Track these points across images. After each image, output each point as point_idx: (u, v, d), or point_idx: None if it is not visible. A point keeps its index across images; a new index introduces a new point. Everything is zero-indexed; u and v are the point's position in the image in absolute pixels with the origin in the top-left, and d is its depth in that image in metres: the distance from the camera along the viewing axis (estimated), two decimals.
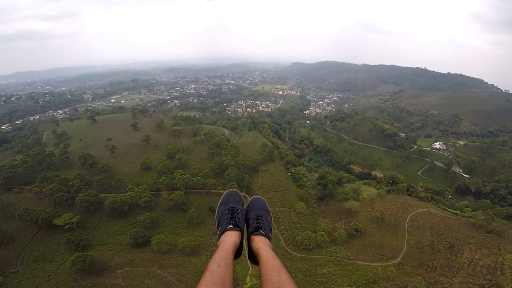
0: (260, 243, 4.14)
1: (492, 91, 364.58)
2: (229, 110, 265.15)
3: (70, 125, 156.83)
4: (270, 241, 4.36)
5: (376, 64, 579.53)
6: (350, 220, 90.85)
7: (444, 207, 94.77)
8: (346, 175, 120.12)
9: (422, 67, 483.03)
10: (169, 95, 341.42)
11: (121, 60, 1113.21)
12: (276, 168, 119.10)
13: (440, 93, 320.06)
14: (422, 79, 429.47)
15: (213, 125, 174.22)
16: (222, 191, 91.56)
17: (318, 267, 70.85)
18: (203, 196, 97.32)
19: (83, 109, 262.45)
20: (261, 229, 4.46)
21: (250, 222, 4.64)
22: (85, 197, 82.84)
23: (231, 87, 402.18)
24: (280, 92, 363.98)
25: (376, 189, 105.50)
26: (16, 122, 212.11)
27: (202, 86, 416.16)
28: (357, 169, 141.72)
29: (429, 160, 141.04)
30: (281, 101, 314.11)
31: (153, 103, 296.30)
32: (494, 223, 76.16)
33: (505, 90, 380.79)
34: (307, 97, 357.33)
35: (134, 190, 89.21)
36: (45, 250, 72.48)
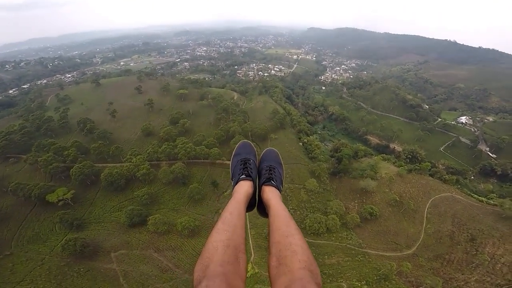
0: (271, 194, 4.04)
1: None
2: (240, 73, 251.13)
3: (74, 88, 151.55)
4: (280, 192, 4.25)
5: (400, 34, 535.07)
6: (364, 200, 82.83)
7: (469, 192, 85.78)
8: (363, 147, 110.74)
9: (451, 40, 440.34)
10: (179, 58, 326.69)
11: (133, 24, 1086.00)
12: (287, 137, 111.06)
13: (469, 66, 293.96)
14: (450, 52, 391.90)
15: (222, 88, 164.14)
16: (227, 162, 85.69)
17: (326, 256, 65.39)
18: (206, 167, 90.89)
19: (91, 72, 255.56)
20: (273, 180, 4.33)
21: (262, 173, 4.50)
22: (79, 169, 76.32)
23: (243, 50, 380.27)
24: (295, 57, 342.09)
25: (396, 166, 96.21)
26: (23, 86, 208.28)
27: (214, 49, 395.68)
28: (374, 140, 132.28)
29: (454, 135, 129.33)
30: (295, 66, 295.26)
31: (162, 65, 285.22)
32: None
33: None
34: (323, 63, 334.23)
35: (132, 161, 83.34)
36: (40, 229, 68.58)
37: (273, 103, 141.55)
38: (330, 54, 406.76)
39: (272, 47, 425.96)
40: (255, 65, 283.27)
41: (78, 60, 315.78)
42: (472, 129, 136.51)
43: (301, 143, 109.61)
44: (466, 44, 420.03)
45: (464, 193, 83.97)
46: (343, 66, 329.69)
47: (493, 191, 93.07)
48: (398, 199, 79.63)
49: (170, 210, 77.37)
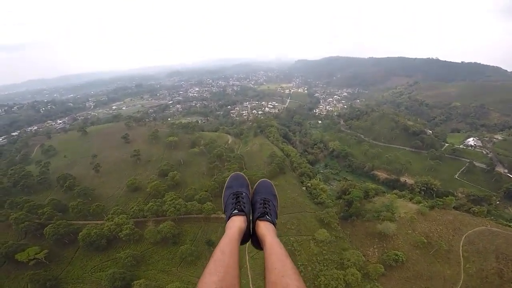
0: (265, 229, 4.02)
1: None
2: (233, 113, 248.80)
3: (61, 138, 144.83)
4: (275, 227, 4.24)
5: (384, 56, 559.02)
6: (385, 245, 73.95)
7: (506, 222, 76.46)
8: (373, 186, 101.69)
9: (434, 57, 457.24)
10: (171, 100, 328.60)
11: (129, 65, 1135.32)
12: (289, 182, 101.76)
13: (459, 83, 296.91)
14: (435, 70, 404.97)
15: (215, 131, 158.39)
16: (223, 216, 75.17)
17: None
18: (200, 224, 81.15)
19: (82, 117, 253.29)
20: (267, 215, 4.30)
21: (257, 207, 4.46)
22: (54, 229, 70.08)
23: (235, 88, 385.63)
24: (287, 91, 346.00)
25: (414, 203, 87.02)
26: (13, 134, 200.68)
27: (206, 88, 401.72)
28: (382, 175, 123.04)
29: (466, 160, 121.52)
30: (288, 100, 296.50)
31: (155, 108, 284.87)
32: None
33: None
34: (316, 95, 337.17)
35: (114, 221, 73.99)
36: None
37: (270, 144, 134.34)
38: (321, 85, 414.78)
39: (264, 83, 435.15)
40: (248, 103, 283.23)
41: (71, 104, 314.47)
42: (483, 151, 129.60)
43: (304, 188, 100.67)
44: (449, 60, 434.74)
45: (501, 224, 75.49)
46: (335, 96, 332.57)
47: None
48: (425, 240, 71.23)
49: (160, 271, 67.78)
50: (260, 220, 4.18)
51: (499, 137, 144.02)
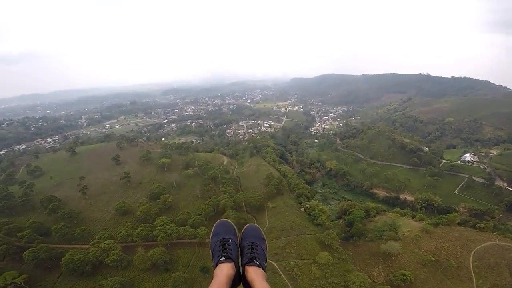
0: (255, 275, 4.01)
1: (504, 92, 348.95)
2: (229, 133, 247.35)
3: (49, 157, 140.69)
4: (265, 271, 4.22)
5: (376, 73, 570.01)
6: (390, 265, 72.10)
7: None
8: (373, 205, 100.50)
9: (425, 73, 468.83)
10: (166, 119, 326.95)
11: (124, 81, 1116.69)
12: (286, 204, 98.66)
13: (451, 98, 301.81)
14: (427, 85, 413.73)
15: (210, 152, 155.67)
16: None
17: None
18: (194, 249, 77.40)
19: (74, 136, 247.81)
20: (256, 260, 4.28)
21: (245, 252, 4.47)
22: (33, 253, 66.35)
23: (231, 107, 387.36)
24: (283, 109, 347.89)
25: (417, 221, 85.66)
26: (0, 152, 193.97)
27: (202, 107, 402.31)
28: (381, 193, 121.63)
29: (465, 175, 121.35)
30: (284, 119, 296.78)
31: (149, 127, 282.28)
32: None
33: None
34: (311, 113, 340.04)
35: (100, 245, 69.78)
36: None
37: (266, 165, 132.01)
38: (316, 103, 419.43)
39: (260, 101, 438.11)
40: (245, 122, 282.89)
41: (63, 122, 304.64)
42: (481, 166, 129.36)
43: (303, 209, 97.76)
44: (440, 76, 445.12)
45: (510, 238, 74.22)
46: (330, 114, 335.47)
47: None
48: (433, 258, 69.08)
49: None
50: (249, 265, 4.13)
51: (495, 152, 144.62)
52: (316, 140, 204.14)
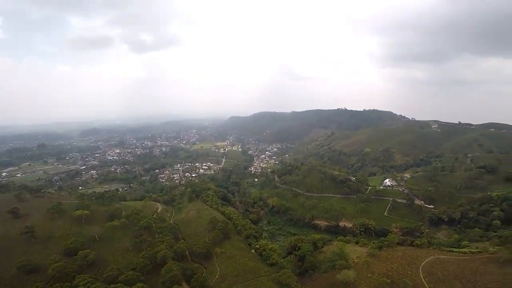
0: None
1: (403, 121, 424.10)
2: (162, 178, 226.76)
3: None
4: None
5: (303, 110, 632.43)
6: None
7: (449, 249, 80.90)
8: (318, 236, 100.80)
9: (343, 108, 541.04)
10: (84, 165, 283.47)
11: (33, 119, 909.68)
12: (236, 247, 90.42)
13: (365, 130, 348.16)
14: (345, 119, 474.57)
15: (141, 200, 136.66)
16: None
17: None
18: None
19: None
20: None
21: None
22: None
23: (164, 149, 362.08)
24: (222, 150, 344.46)
25: (361, 246, 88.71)
26: None
27: (129, 150, 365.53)
28: (322, 223, 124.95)
29: (389, 198, 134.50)
30: (223, 160, 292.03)
31: (61, 175, 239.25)
32: None
33: (412, 118, 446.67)
34: (249, 152, 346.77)
35: None
36: None
37: (208, 209, 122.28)
38: (253, 142, 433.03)
39: (197, 142, 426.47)
40: (180, 165, 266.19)
41: None
42: (400, 189, 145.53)
43: (253, 250, 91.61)
44: (354, 110, 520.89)
45: (445, 251, 79.61)
46: (267, 152, 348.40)
47: (461, 238, 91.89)
48: (388, 280, 68.13)
49: None
50: None
51: (407, 175, 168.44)
52: (256, 179, 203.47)
